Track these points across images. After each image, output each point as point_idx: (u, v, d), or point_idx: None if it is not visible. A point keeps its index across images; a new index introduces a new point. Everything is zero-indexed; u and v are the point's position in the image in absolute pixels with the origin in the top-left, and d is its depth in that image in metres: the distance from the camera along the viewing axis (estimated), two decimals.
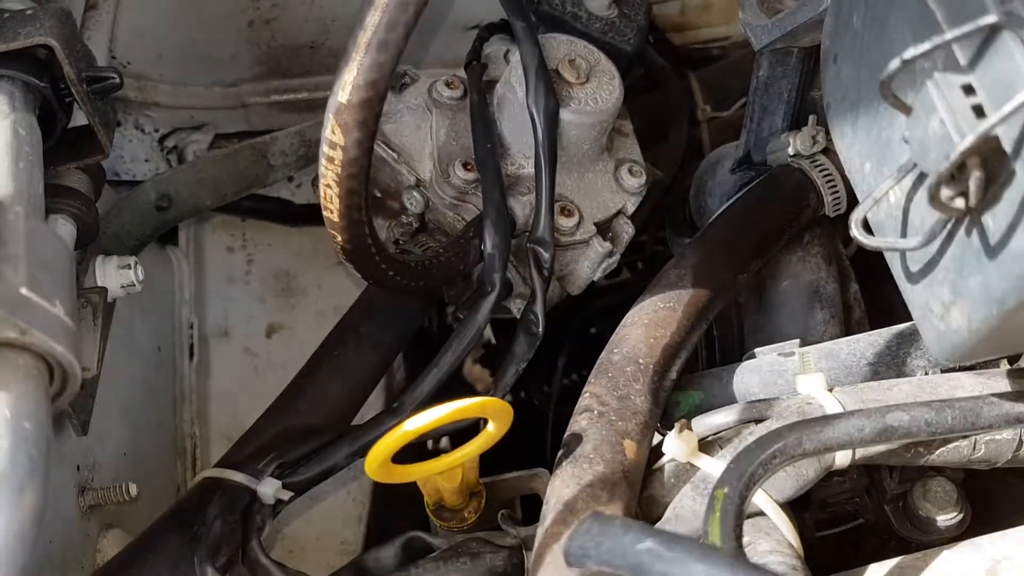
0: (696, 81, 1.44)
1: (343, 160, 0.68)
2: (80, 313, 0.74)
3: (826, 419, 0.66)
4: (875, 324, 1.08)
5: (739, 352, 1.06)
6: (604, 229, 1.04)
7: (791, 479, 0.71)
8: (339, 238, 0.74)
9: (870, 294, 1.08)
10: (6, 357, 0.50)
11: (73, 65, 0.65)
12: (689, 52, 1.52)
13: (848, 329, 1.03)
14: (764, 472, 0.62)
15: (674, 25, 1.51)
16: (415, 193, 1.01)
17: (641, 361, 0.79)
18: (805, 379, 0.78)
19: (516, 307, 1.05)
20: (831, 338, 1.01)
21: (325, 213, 0.73)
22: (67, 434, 0.82)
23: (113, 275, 0.86)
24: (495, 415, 0.68)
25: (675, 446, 0.72)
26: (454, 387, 0.92)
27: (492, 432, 0.70)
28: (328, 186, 0.71)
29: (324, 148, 0.69)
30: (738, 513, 0.58)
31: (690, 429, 0.73)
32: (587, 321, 1.48)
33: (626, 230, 1.05)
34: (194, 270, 1.29)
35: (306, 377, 0.88)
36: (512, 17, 0.98)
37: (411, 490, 1.33)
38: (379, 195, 1.06)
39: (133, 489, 0.83)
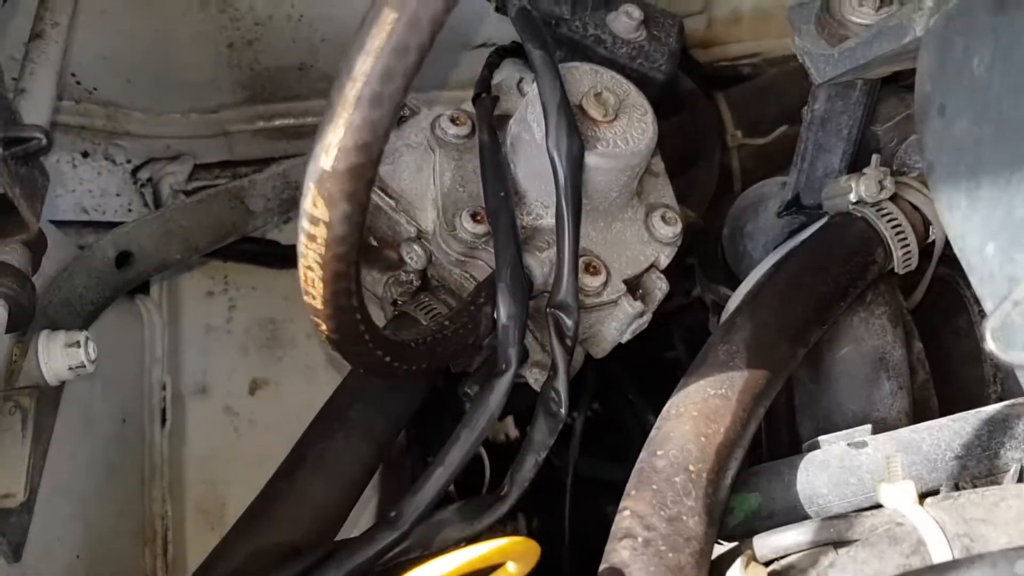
0: (725, 103, 1.31)
1: (327, 239, 0.55)
2: (6, 422, 0.60)
3: (944, 570, 0.52)
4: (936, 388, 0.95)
5: (788, 431, 0.93)
6: (634, 286, 0.90)
7: None
8: (324, 327, 0.61)
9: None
10: None
11: None
12: (716, 70, 1.39)
13: (912, 399, 0.90)
14: None
15: (700, 41, 1.38)
16: (415, 247, 0.88)
17: (692, 468, 0.65)
18: (892, 490, 0.65)
19: (532, 377, 0.91)
20: (899, 413, 0.87)
21: (306, 298, 0.59)
22: None
23: (59, 356, 0.72)
24: (519, 557, 0.55)
25: None
26: None
27: (512, 573, 0.57)
28: (309, 268, 0.57)
29: (304, 223, 0.55)
30: None
31: (756, 560, 0.59)
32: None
33: (659, 286, 0.91)
34: (168, 320, 1.15)
35: (285, 478, 0.74)
36: (528, 43, 0.84)
37: None
38: (375, 243, 0.92)
39: None
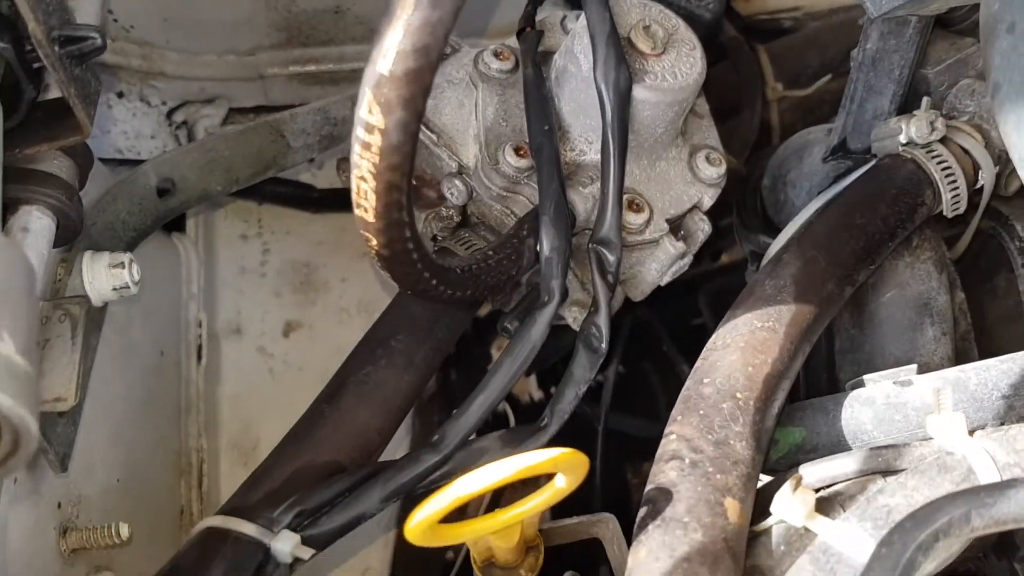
0: (766, 55, 1.29)
1: (383, 147, 0.54)
2: (56, 329, 0.60)
3: (999, 488, 0.52)
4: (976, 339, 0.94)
5: (828, 374, 0.92)
6: (676, 226, 0.89)
7: (936, 563, 0.56)
8: (374, 241, 0.60)
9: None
10: None
11: (41, 20, 0.51)
12: (756, 23, 1.36)
13: (955, 347, 0.89)
14: (924, 559, 0.48)
15: None
16: (457, 182, 0.87)
17: (740, 395, 0.64)
18: (940, 421, 0.64)
19: (571, 316, 0.90)
20: (942, 359, 0.86)
21: (358, 211, 0.59)
22: (43, 470, 0.68)
23: (103, 276, 0.72)
24: (570, 470, 0.54)
25: (789, 507, 0.58)
26: None
27: (562, 488, 0.56)
28: (362, 178, 0.56)
29: (358, 131, 0.54)
30: None
31: (804, 485, 0.59)
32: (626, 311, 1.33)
33: (702, 228, 0.90)
34: (204, 261, 1.15)
35: (329, 401, 0.74)
36: None
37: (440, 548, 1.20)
38: (414, 182, 0.91)
39: (124, 530, 0.70)
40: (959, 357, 0.89)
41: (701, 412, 0.63)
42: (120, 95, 1.24)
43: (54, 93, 0.57)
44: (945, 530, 0.49)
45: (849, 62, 1.33)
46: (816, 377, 0.93)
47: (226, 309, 1.17)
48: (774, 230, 1.08)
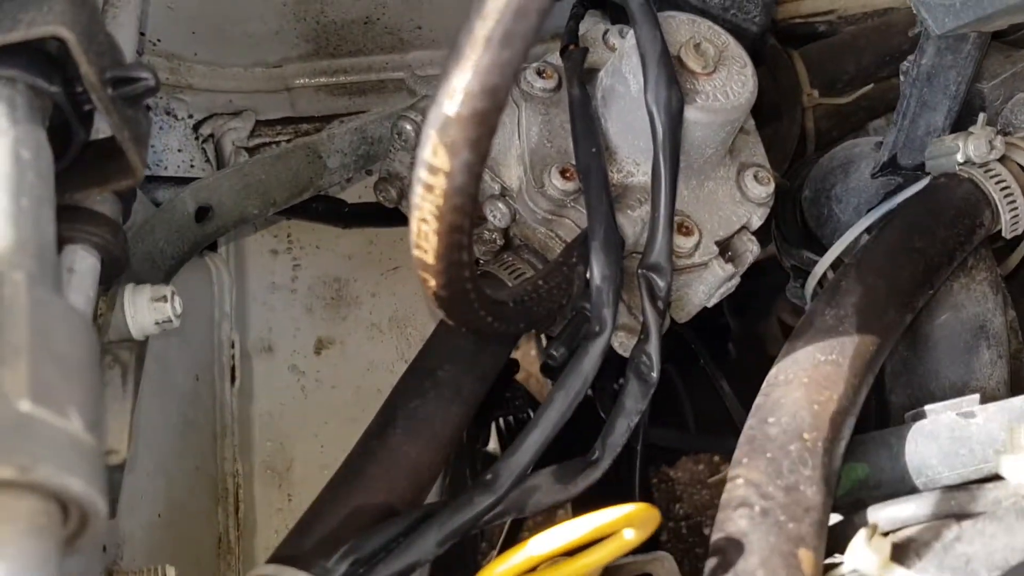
0: (800, 61, 1.26)
1: (447, 189, 0.52)
2: (106, 376, 0.58)
3: None
4: None
5: (878, 397, 0.90)
6: (725, 248, 0.87)
7: None
8: (433, 283, 0.58)
9: None
10: (2, 504, 0.35)
11: (93, 62, 0.49)
12: (790, 27, 1.33)
13: (1010, 370, 0.87)
14: None
15: None
16: (500, 204, 0.85)
17: (807, 436, 0.62)
18: (1015, 461, 0.62)
19: (618, 341, 0.88)
20: (998, 383, 0.84)
21: (416, 252, 0.57)
22: None
23: (145, 310, 0.70)
24: (641, 525, 0.52)
25: (864, 557, 0.56)
26: None
27: (631, 541, 0.55)
28: (424, 220, 0.54)
29: (421, 173, 0.52)
30: None
31: (879, 532, 0.57)
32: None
33: (750, 248, 0.88)
34: (235, 277, 1.14)
35: (378, 437, 0.72)
36: None
37: None
38: None
39: (171, 573, 0.69)
40: (1013, 377, 0.87)
41: (768, 455, 0.61)
42: (147, 109, 1.22)
43: (104, 132, 0.56)
44: None
45: (885, 67, 1.29)
46: (866, 401, 0.91)
47: (257, 327, 1.15)
48: (816, 244, 1.06)
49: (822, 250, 0.98)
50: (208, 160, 1.27)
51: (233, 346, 1.06)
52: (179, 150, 1.25)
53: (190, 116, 1.25)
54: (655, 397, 0.76)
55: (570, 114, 0.82)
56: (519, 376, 1.20)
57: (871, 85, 1.17)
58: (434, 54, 1.20)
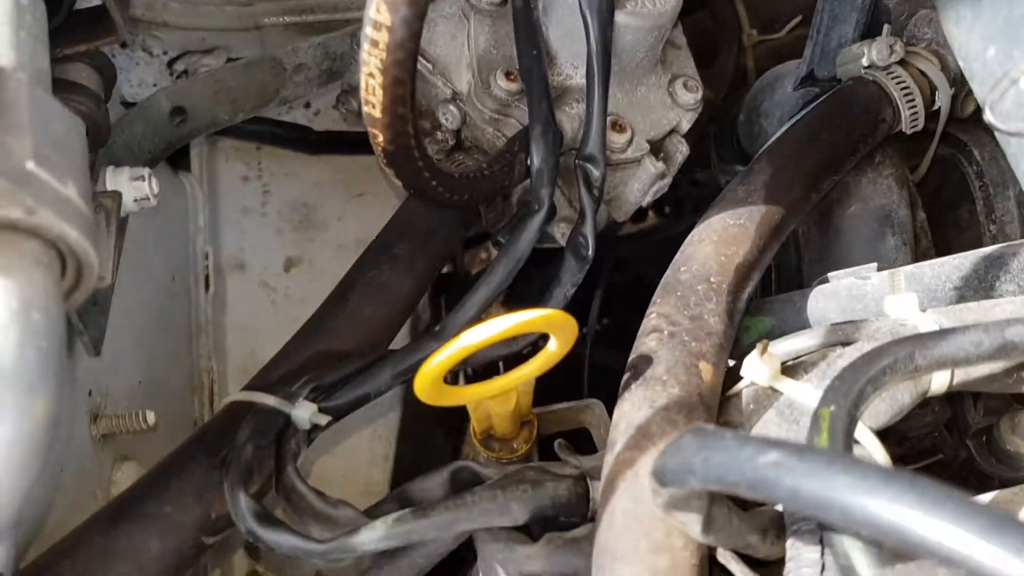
0: (741, 2, 1.35)
1: (389, 43, 0.60)
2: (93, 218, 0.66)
3: (940, 334, 0.59)
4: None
5: (798, 281, 0.99)
6: (656, 148, 0.96)
7: (886, 404, 0.63)
8: (381, 137, 0.66)
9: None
10: (11, 240, 0.43)
11: None
12: None
13: (915, 260, 0.96)
14: (873, 390, 0.55)
15: None
16: (451, 107, 0.93)
17: (713, 280, 0.71)
18: (895, 300, 0.71)
19: (560, 232, 0.97)
20: (902, 266, 0.94)
21: (366, 108, 0.65)
22: (78, 354, 0.74)
23: (125, 187, 0.78)
24: (560, 330, 0.61)
25: (756, 369, 0.64)
26: None
27: (553, 351, 0.63)
28: (370, 75, 0.62)
29: (367, 30, 0.60)
30: (847, 433, 0.51)
31: (770, 352, 0.66)
32: (615, 268, 1.41)
33: (680, 150, 0.97)
34: (208, 199, 1.21)
35: (338, 300, 0.80)
36: None
37: (439, 426, 1.26)
38: None
39: (151, 417, 0.76)
40: None
41: (678, 294, 0.70)
42: (123, 45, 1.29)
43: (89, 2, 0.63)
44: (892, 366, 0.56)
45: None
46: (789, 285, 1.00)
47: (230, 246, 1.22)
48: (748, 160, 1.15)
49: None
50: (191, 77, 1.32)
51: (207, 257, 1.13)
52: (155, 84, 1.31)
53: (165, 53, 1.31)
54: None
55: (513, 22, 0.90)
56: None
57: (799, 18, 1.26)
58: None
